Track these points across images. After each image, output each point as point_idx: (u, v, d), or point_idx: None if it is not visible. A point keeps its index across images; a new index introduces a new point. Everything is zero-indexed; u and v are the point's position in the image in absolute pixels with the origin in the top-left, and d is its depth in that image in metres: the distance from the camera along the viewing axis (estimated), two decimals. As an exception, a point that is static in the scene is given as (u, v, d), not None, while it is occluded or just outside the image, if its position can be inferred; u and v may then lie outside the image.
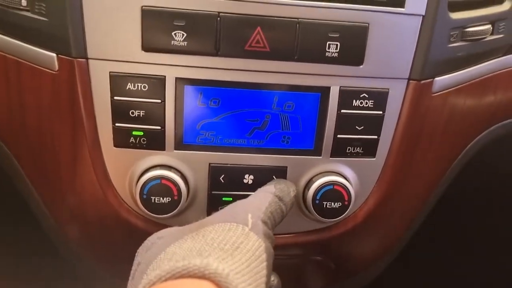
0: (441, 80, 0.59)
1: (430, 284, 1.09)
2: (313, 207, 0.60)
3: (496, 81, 0.65)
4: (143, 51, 0.52)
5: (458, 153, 0.69)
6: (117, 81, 0.53)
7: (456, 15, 0.56)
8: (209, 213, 0.61)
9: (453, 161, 0.68)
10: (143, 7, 0.50)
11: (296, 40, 0.53)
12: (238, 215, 0.45)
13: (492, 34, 0.60)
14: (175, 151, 0.57)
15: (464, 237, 1.02)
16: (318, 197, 0.59)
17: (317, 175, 0.60)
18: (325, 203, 0.59)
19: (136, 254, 0.48)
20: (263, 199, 0.51)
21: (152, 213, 0.57)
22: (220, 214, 0.46)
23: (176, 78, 0.54)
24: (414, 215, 0.73)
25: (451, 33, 0.57)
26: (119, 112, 0.55)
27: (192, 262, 0.36)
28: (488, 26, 0.59)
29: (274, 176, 0.60)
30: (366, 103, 0.57)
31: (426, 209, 0.72)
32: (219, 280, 0.35)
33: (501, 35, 0.61)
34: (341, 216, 0.61)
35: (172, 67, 0.53)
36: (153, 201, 0.57)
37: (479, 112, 0.66)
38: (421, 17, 0.54)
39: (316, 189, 0.59)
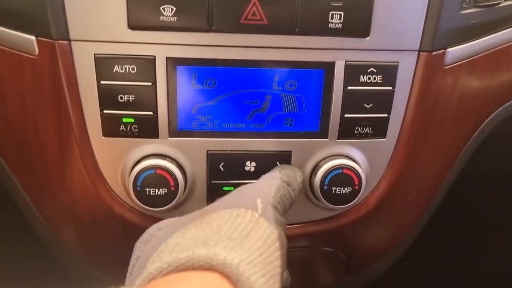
0: (454, 51, 0.55)
1: (444, 276, 1.05)
2: (321, 193, 0.55)
3: (511, 53, 0.60)
4: (129, 30, 0.48)
5: (473, 131, 0.64)
6: (103, 64, 0.49)
7: (468, -21, 0.52)
8: (209, 204, 0.57)
9: (468, 139, 0.64)
10: (128, -20, 0.46)
11: (295, 11, 0.48)
12: (245, 200, 0.41)
13: (506, -1, 0.56)
14: (169, 138, 0.53)
15: (480, 224, 0.98)
16: (326, 183, 0.55)
17: (324, 159, 0.56)
18: (334, 188, 0.55)
19: (134, 248, 0.44)
20: (270, 184, 0.47)
21: (147, 206, 0.53)
22: (226, 200, 0.43)
23: (167, 58, 0.50)
24: (429, 199, 0.69)
25: (463, -2, 0.52)
26: (107, 97, 0.50)
27: (197, 253, 0.32)
28: (503, -9, 0.54)
29: (277, 162, 0.55)
30: (374, 78, 0.53)
31: (441, 191, 0.68)
32: (228, 272, 0.31)
33: (516, 1, 0.57)
34: (352, 202, 0.56)
35: (162, 46, 0.49)
36: (148, 193, 0.52)
37: (494, 87, 0.62)
38: (431, -19, 0.50)
39: (324, 174, 0.55)
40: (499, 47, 0.59)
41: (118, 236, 0.60)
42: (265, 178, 0.50)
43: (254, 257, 0.34)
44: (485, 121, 0.64)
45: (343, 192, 0.56)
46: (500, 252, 0.99)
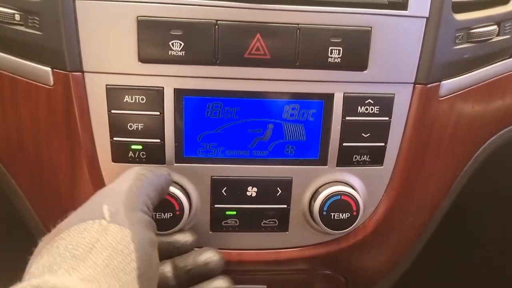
0: (448, 84, 0.57)
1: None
2: (320, 218, 0.57)
3: (504, 84, 0.63)
4: (139, 63, 0.51)
5: (468, 159, 0.67)
6: (114, 94, 0.52)
7: (461, 16, 0.55)
8: (212, 227, 0.59)
9: (463, 167, 0.66)
10: (139, 18, 0.49)
11: (297, 47, 0.51)
12: (93, 210, 0.40)
13: (498, 35, 0.58)
14: (175, 164, 0.55)
15: (477, 246, 0.99)
16: (325, 208, 0.57)
17: (323, 185, 0.58)
18: (332, 214, 0.57)
19: None
20: (122, 182, 0.45)
21: (153, 229, 0.55)
22: (76, 213, 0.41)
23: (175, 89, 0.52)
24: (425, 224, 0.71)
25: (456, 34, 0.55)
26: (117, 126, 0.53)
27: (32, 282, 0.31)
28: (494, 27, 0.57)
29: (278, 188, 0.58)
30: (372, 109, 0.55)
31: (437, 216, 0.70)
32: None
33: (508, 36, 0.59)
34: (350, 227, 0.58)
35: (170, 78, 0.52)
36: (153, 217, 0.54)
37: (487, 116, 0.64)
38: (425, 19, 0.53)
39: (323, 200, 0.57)
40: (491, 79, 0.61)
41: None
42: (119, 177, 0.47)
43: (98, 271, 0.33)
44: (480, 149, 0.66)
45: (342, 217, 0.58)
46: (496, 273, 1.00)
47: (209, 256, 0.53)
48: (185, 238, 0.55)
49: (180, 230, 0.56)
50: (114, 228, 0.37)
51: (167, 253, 0.54)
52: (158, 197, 0.48)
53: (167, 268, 0.53)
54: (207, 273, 0.53)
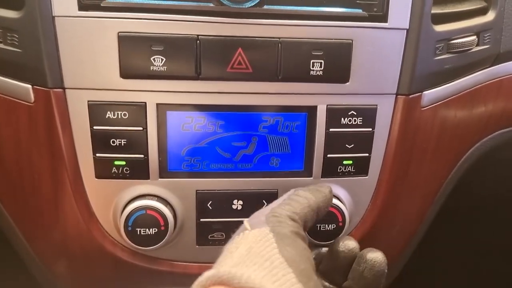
0: (430, 94, 0.58)
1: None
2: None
3: (485, 92, 0.64)
4: (121, 78, 0.51)
5: (452, 166, 0.67)
6: (96, 110, 0.52)
7: (441, 28, 0.56)
8: (198, 242, 0.59)
9: (448, 175, 0.67)
10: (120, 33, 0.49)
11: (279, 60, 0.51)
12: (240, 228, 0.45)
13: (478, 45, 0.59)
14: (160, 179, 0.55)
15: (465, 252, 1.00)
16: (311, 220, 0.57)
17: (309, 196, 0.58)
18: (318, 225, 0.57)
19: None
20: (276, 201, 0.49)
21: (138, 245, 0.55)
22: (232, 237, 0.45)
23: (157, 104, 0.52)
24: (412, 232, 0.71)
25: (437, 45, 0.56)
26: (100, 142, 0.53)
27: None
28: (473, 37, 0.58)
29: (264, 201, 0.58)
30: (355, 120, 0.56)
31: (424, 224, 0.70)
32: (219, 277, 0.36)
33: (487, 46, 0.60)
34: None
35: (152, 93, 0.52)
36: (138, 233, 0.54)
37: (470, 124, 0.65)
38: (405, 31, 0.53)
39: (309, 211, 0.57)
40: (473, 88, 0.62)
41: (109, 272, 0.62)
42: None
43: (242, 257, 0.38)
44: (464, 157, 0.67)
45: (328, 228, 0.58)
46: (485, 278, 1.01)
47: (342, 245, 0.52)
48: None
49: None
50: (255, 231, 0.42)
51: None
52: (311, 212, 0.48)
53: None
54: (352, 258, 0.52)
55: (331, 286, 0.53)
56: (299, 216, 0.46)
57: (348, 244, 0.52)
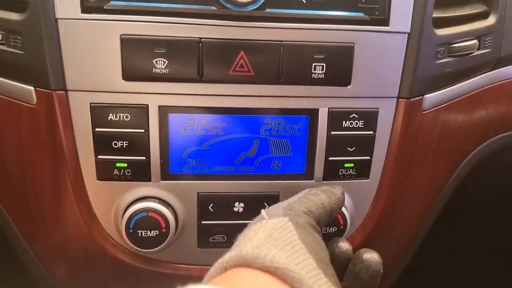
0: (431, 97, 0.58)
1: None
2: (307, 233, 0.57)
3: (486, 96, 0.64)
4: (124, 80, 0.51)
5: (453, 170, 0.67)
6: (98, 112, 0.52)
7: (442, 31, 0.56)
8: (199, 244, 0.59)
9: (449, 178, 0.67)
10: (122, 36, 0.49)
11: (280, 63, 0.52)
12: (256, 218, 0.45)
13: (479, 49, 0.59)
14: (161, 181, 0.55)
15: (465, 256, 1.00)
16: (312, 223, 0.57)
17: (310, 199, 0.58)
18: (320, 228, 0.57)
19: None
20: (289, 199, 0.49)
21: (139, 247, 0.55)
22: (248, 226, 0.46)
23: (159, 106, 0.52)
24: (413, 235, 0.71)
25: (438, 49, 0.56)
26: (102, 144, 0.53)
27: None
28: (474, 41, 0.58)
29: (265, 203, 0.58)
30: (356, 123, 0.56)
31: (424, 228, 0.70)
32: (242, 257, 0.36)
33: (488, 50, 0.60)
34: (338, 242, 0.58)
35: (154, 95, 0.52)
36: (140, 235, 0.54)
37: (471, 128, 0.65)
38: (407, 34, 0.53)
39: (310, 214, 0.57)
40: (474, 92, 0.62)
41: (110, 274, 0.62)
42: None
43: (263, 240, 0.39)
44: (465, 160, 0.67)
45: (329, 231, 0.58)
46: (485, 281, 1.01)
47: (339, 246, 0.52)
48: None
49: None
50: (273, 220, 0.42)
51: None
52: (325, 214, 0.49)
53: None
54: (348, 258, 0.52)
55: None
56: (314, 215, 0.47)
57: (341, 245, 0.52)
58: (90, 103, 0.52)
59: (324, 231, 0.58)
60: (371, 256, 0.50)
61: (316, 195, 0.49)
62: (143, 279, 0.61)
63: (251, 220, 0.57)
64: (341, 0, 0.51)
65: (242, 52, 0.51)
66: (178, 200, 0.56)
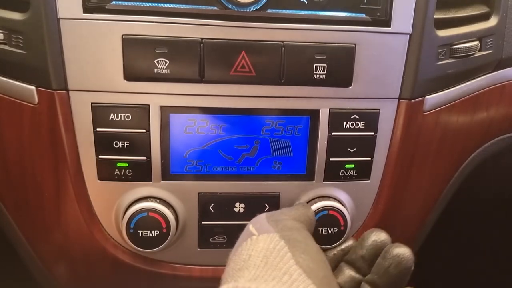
0: (432, 98, 0.58)
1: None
2: (308, 234, 0.57)
3: (487, 97, 0.64)
4: (125, 81, 0.51)
5: (454, 171, 0.67)
6: (100, 112, 0.52)
7: (443, 33, 0.56)
8: (200, 244, 0.59)
9: (449, 180, 0.67)
10: (124, 36, 0.49)
11: (282, 64, 0.52)
12: (245, 234, 0.45)
13: (480, 50, 0.59)
14: (162, 181, 0.55)
15: (467, 257, 1.00)
16: (313, 223, 0.57)
17: (311, 200, 0.58)
18: (320, 229, 0.57)
19: None
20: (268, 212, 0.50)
21: (140, 247, 0.55)
22: (234, 247, 0.45)
23: (161, 107, 0.52)
24: (414, 236, 0.71)
25: (439, 50, 0.56)
26: (103, 143, 0.53)
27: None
28: (476, 43, 0.58)
29: (266, 204, 0.58)
30: (357, 124, 0.56)
31: (425, 229, 0.70)
32: None
33: (490, 51, 0.60)
34: (338, 242, 0.58)
35: (156, 96, 0.52)
36: (140, 235, 0.54)
37: (472, 129, 0.65)
38: (408, 35, 0.53)
39: (311, 215, 0.57)
40: (475, 93, 0.62)
41: (110, 274, 0.62)
42: None
43: (259, 270, 0.38)
44: (466, 161, 0.67)
45: (330, 232, 0.58)
46: (486, 282, 1.01)
47: (373, 237, 0.52)
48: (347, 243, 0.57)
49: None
50: (263, 236, 0.42)
51: (336, 259, 0.56)
52: (306, 220, 0.49)
53: (347, 271, 0.52)
54: (379, 250, 0.51)
55: (357, 275, 0.52)
56: (299, 220, 0.48)
57: (380, 235, 0.51)
58: (92, 103, 0.52)
59: (324, 232, 0.58)
60: (402, 251, 0.48)
61: (296, 209, 0.50)
62: (143, 279, 0.61)
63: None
64: (343, 1, 0.51)
65: (243, 53, 0.51)
66: (179, 200, 0.56)
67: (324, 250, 0.56)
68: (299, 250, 0.40)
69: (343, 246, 0.57)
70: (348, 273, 0.52)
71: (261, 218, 0.46)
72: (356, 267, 0.52)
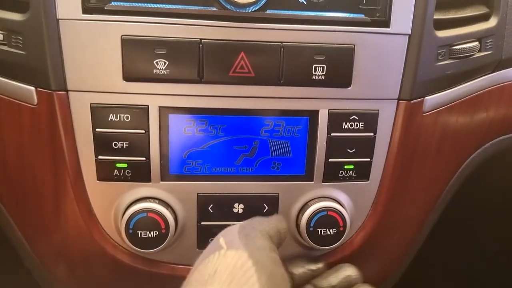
0: (432, 99, 0.58)
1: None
2: (307, 234, 0.57)
3: (487, 98, 0.64)
4: (124, 81, 0.51)
5: (453, 172, 0.67)
6: (99, 113, 0.52)
7: (443, 33, 0.56)
8: (199, 245, 0.59)
9: (449, 181, 0.67)
10: (123, 36, 0.49)
11: (281, 64, 0.52)
12: (213, 245, 0.44)
13: (480, 51, 0.59)
14: (161, 182, 0.55)
15: (467, 258, 1.00)
16: (312, 224, 0.57)
17: (310, 201, 0.58)
18: (319, 230, 0.57)
19: None
20: (242, 222, 0.49)
21: (139, 248, 0.55)
22: (202, 255, 0.45)
23: (160, 107, 0.52)
24: (413, 237, 0.71)
25: (439, 51, 0.56)
26: (102, 144, 0.53)
27: None
28: (476, 43, 0.58)
29: (265, 205, 0.58)
30: (357, 125, 0.56)
31: (425, 230, 0.70)
32: None
33: (489, 52, 0.60)
34: (337, 243, 0.58)
35: (155, 96, 0.52)
36: (139, 235, 0.54)
37: (472, 130, 0.65)
38: (407, 36, 0.53)
39: (310, 215, 0.57)
40: (474, 94, 0.62)
41: (109, 274, 0.62)
42: None
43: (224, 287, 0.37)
44: (465, 163, 0.67)
45: (329, 233, 0.58)
46: (486, 284, 1.01)
47: (348, 270, 0.56)
48: (318, 265, 0.58)
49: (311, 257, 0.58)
50: (232, 252, 0.41)
51: (306, 278, 0.57)
52: (276, 235, 0.49)
53: None
54: (350, 285, 0.55)
55: None
56: (270, 234, 0.48)
57: (354, 272, 0.55)
58: (91, 103, 0.52)
59: (323, 232, 0.58)
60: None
61: (268, 222, 0.50)
62: (142, 280, 0.61)
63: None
64: (342, 2, 0.51)
65: (242, 53, 0.51)
66: (178, 201, 0.56)
67: (293, 267, 0.57)
68: (265, 275, 0.39)
69: (314, 267, 0.57)
70: None
71: (233, 230, 0.46)
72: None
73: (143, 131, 0.53)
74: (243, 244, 0.42)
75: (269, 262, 0.42)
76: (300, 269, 0.57)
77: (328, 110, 0.55)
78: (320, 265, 0.58)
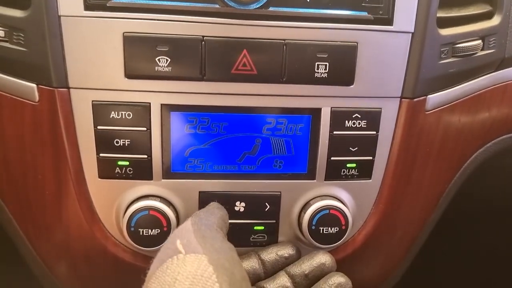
0: (434, 98, 0.58)
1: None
2: (309, 233, 0.57)
3: (489, 97, 0.63)
4: (126, 78, 0.51)
5: (456, 171, 0.67)
6: (100, 110, 0.52)
7: (446, 31, 0.56)
8: (200, 243, 0.58)
9: (451, 179, 0.66)
10: (125, 34, 0.49)
11: (283, 62, 0.51)
12: (169, 248, 0.43)
13: (483, 49, 0.59)
14: (163, 180, 0.55)
15: (468, 257, 1.00)
16: (314, 223, 0.57)
17: (312, 199, 0.58)
18: (321, 228, 0.57)
19: None
20: (185, 222, 0.48)
21: (140, 246, 0.55)
22: (157, 257, 0.44)
23: (162, 105, 0.52)
24: (415, 236, 0.71)
25: (442, 49, 0.55)
26: (103, 142, 0.53)
27: None
28: (479, 42, 0.58)
29: (267, 203, 0.57)
30: (359, 123, 0.56)
31: (426, 229, 0.70)
32: None
33: (492, 50, 0.60)
34: (339, 241, 0.58)
35: (156, 94, 0.52)
36: (141, 233, 0.54)
37: (474, 129, 0.65)
38: (410, 34, 0.53)
39: (312, 214, 0.57)
40: (477, 93, 0.62)
41: (111, 273, 0.62)
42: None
43: None
44: (468, 161, 0.67)
45: (330, 231, 0.57)
46: (487, 284, 1.01)
47: (322, 257, 0.56)
48: (292, 250, 0.58)
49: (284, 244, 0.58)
50: (191, 257, 0.40)
51: (278, 265, 0.57)
52: (224, 225, 0.49)
53: (284, 279, 0.55)
54: (323, 273, 0.55)
55: None
56: (220, 227, 0.48)
57: (328, 259, 0.55)
58: (92, 101, 0.51)
59: (325, 231, 0.57)
60: (345, 282, 0.53)
61: (214, 215, 0.50)
62: (143, 278, 0.60)
63: (252, 220, 0.58)
64: (345, -1, 0.51)
65: (245, 51, 0.50)
66: (180, 199, 0.56)
67: (265, 254, 0.57)
68: (226, 280, 0.39)
69: (286, 254, 0.57)
70: (284, 282, 0.54)
71: (188, 231, 0.45)
72: (295, 281, 0.55)
73: (145, 129, 0.53)
74: (202, 247, 0.41)
75: (229, 264, 0.41)
76: (272, 256, 0.57)
77: (331, 108, 0.55)
78: (292, 252, 0.58)
